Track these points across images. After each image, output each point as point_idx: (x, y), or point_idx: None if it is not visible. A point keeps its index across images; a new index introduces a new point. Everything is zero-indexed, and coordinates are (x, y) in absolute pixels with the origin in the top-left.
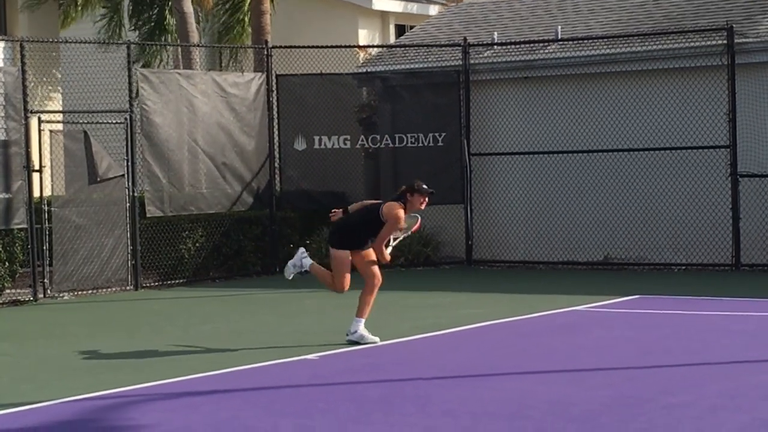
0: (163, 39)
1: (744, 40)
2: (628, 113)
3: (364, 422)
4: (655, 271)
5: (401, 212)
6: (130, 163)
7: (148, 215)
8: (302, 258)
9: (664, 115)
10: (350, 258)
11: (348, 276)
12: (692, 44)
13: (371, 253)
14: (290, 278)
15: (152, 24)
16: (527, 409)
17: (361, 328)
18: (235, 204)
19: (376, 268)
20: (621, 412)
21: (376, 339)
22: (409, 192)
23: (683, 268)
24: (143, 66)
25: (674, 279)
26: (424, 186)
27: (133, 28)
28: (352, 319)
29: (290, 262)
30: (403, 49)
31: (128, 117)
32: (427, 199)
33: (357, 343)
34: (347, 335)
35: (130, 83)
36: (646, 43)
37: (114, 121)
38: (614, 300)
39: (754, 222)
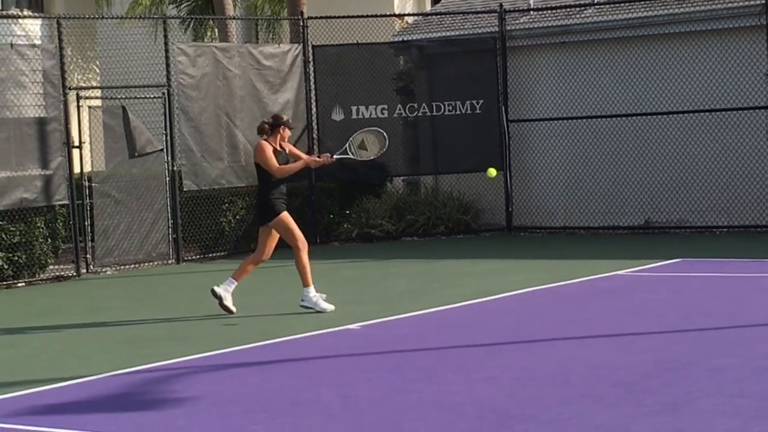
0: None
1: None
2: (666, 76)
3: (407, 391)
4: (696, 234)
5: (263, 145)
6: (168, 138)
7: (184, 189)
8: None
9: (703, 77)
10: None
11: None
12: (730, 5)
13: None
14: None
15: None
16: (570, 374)
17: (315, 295)
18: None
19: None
20: (664, 376)
21: (329, 306)
22: (281, 126)
23: (725, 230)
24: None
25: (716, 242)
26: (285, 117)
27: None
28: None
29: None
30: (439, 16)
31: (166, 91)
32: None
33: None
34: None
35: (167, 57)
36: (684, 5)
37: (152, 96)
38: (656, 264)
39: None
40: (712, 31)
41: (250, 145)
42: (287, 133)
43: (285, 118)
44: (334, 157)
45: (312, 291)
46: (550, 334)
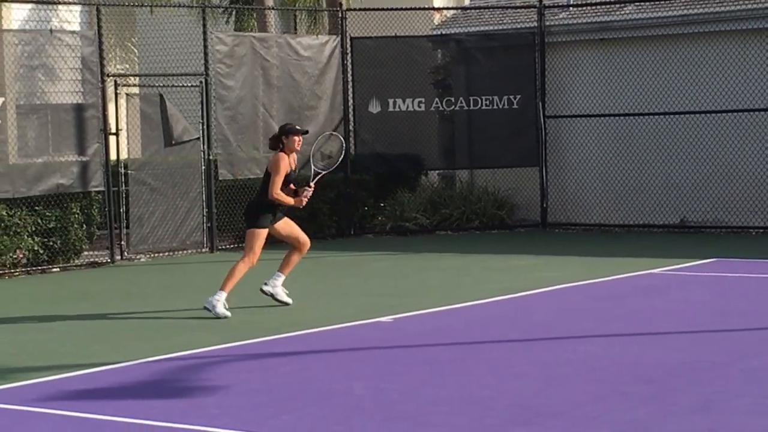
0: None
1: None
2: (705, 74)
3: (437, 385)
4: (732, 234)
5: (279, 157)
6: (205, 126)
7: (220, 178)
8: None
9: (743, 76)
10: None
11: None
12: None
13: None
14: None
15: None
16: (602, 371)
17: (221, 301)
18: (305, 167)
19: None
20: (697, 374)
21: (228, 314)
22: (284, 136)
23: (761, 231)
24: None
25: (752, 242)
26: (297, 126)
27: None
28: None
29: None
30: (478, 10)
31: (204, 80)
32: (300, 137)
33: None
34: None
35: (205, 46)
36: (725, 3)
37: (190, 84)
38: (691, 263)
39: None
40: (753, 30)
41: None
42: (293, 140)
43: (287, 126)
44: (311, 183)
45: (223, 297)
46: (583, 330)
